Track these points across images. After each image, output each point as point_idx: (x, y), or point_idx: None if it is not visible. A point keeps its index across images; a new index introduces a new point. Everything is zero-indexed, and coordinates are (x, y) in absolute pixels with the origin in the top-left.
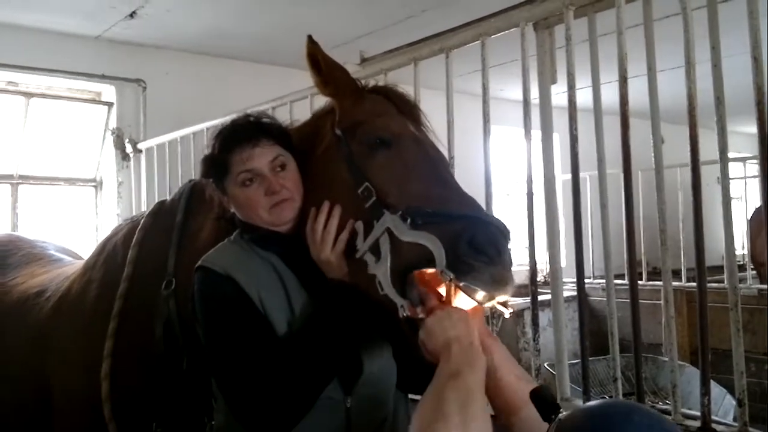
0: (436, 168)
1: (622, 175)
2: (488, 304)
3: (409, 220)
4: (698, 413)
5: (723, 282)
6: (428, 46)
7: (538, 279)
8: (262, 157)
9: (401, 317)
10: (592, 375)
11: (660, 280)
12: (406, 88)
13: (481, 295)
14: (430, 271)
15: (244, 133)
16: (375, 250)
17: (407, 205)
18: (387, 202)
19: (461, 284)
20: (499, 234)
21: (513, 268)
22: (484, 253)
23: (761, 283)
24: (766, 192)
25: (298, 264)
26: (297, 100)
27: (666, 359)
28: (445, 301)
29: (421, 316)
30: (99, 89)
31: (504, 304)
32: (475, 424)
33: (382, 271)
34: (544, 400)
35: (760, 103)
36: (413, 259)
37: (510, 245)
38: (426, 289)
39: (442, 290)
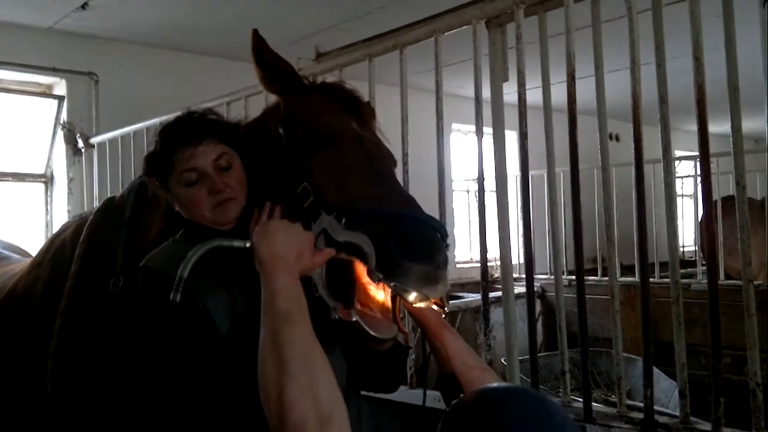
0: (376, 167)
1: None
2: (422, 305)
3: (343, 221)
4: (661, 407)
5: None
6: (382, 42)
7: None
8: (206, 155)
9: (333, 319)
10: (548, 369)
11: (620, 277)
12: (362, 84)
13: (413, 295)
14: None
15: (187, 130)
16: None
17: (343, 205)
18: (324, 202)
19: (391, 284)
20: (433, 233)
21: (468, 265)
22: (413, 252)
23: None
24: (706, 187)
25: (241, 263)
26: (252, 95)
27: (624, 354)
28: (378, 303)
29: (354, 318)
30: (50, 82)
31: (440, 303)
32: (321, 379)
33: (317, 272)
34: (447, 383)
35: (700, 101)
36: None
37: (446, 245)
38: (363, 288)
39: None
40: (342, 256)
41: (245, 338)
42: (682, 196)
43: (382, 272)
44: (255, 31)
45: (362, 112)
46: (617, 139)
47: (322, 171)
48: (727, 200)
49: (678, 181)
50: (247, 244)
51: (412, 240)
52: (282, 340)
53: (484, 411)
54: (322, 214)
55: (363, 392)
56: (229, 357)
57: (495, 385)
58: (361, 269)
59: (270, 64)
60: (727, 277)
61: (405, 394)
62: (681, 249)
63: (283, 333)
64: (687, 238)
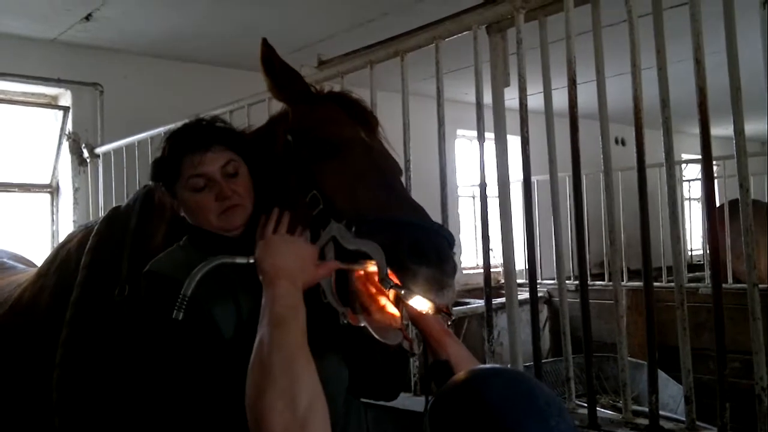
0: (384, 176)
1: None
2: (430, 311)
3: (353, 228)
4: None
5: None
6: (383, 49)
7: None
8: (214, 162)
9: (342, 324)
10: (555, 375)
11: (628, 281)
12: (363, 91)
13: (421, 300)
14: (375, 278)
15: (196, 137)
16: (320, 258)
17: (353, 213)
18: (333, 210)
19: (402, 291)
20: (443, 241)
21: (475, 271)
22: (425, 258)
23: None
24: (708, 190)
25: (248, 271)
26: (254, 104)
27: (631, 359)
28: (388, 309)
29: (362, 323)
30: (55, 93)
31: (447, 311)
32: (301, 383)
33: (325, 280)
34: (440, 370)
35: (702, 104)
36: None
37: (454, 253)
38: (369, 296)
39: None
40: (353, 267)
41: (249, 345)
42: (690, 199)
43: (393, 278)
44: (264, 40)
45: (369, 121)
46: (623, 143)
47: (331, 180)
48: (735, 203)
49: (685, 185)
50: (251, 260)
51: (423, 246)
52: (270, 344)
53: (468, 391)
54: (332, 222)
55: (364, 400)
56: (233, 364)
57: (480, 366)
58: (367, 277)
59: (279, 73)
60: (735, 280)
61: (409, 401)
62: (689, 252)
63: (273, 337)
64: (695, 241)
